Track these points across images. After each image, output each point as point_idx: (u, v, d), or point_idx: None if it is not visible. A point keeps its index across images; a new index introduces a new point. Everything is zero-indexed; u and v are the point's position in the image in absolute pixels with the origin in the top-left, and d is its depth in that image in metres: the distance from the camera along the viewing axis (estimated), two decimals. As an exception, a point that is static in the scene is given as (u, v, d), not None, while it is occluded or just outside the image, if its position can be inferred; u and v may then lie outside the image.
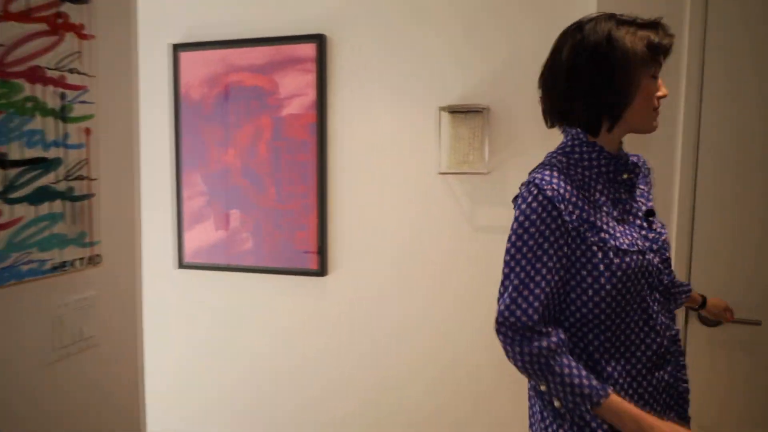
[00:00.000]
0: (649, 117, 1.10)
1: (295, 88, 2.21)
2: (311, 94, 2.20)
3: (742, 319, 1.70)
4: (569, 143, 1.15)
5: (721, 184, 1.77)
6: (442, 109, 2.04)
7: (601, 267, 1.04)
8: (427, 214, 2.13)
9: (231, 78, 2.29)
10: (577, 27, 1.10)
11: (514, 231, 1.07)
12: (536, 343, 1.02)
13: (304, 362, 2.30)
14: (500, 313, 1.06)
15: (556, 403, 1.05)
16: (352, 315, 2.23)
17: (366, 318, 2.21)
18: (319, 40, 2.16)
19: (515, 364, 1.07)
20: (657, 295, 1.11)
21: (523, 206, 1.06)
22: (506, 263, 1.07)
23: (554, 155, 1.16)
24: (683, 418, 1.16)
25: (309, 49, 2.18)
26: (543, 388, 1.06)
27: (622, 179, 1.14)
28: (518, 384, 2.02)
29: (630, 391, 1.08)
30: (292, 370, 2.32)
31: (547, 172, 1.08)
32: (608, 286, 1.04)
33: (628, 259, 1.05)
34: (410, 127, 2.12)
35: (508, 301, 1.05)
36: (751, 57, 1.73)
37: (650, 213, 1.15)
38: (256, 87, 2.26)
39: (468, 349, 2.10)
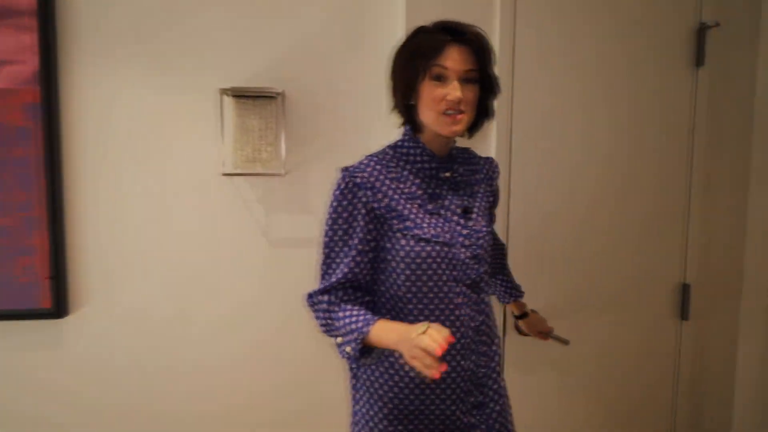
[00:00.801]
0: (438, 120, 1.12)
1: (5, 52, 1.53)
2: (32, 62, 1.54)
3: (554, 335, 1.66)
4: (401, 138, 1.22)
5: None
6: (224, 91, 1.59)
7: (402, 254, 1.13)
8: (209, 226, 1.67)
9: None
10: None
11: (329, 215, 1.15)
12: (322, 306, 1.15)
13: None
14: (312, 291, 1.18)
15: (348, 349, 1.09)
16: (103, 373, 1.66)
17: (124, 373, 1.67)
18: (41, -15, 1.52)
19: (320, 330, 1.17)
20: (463, 288, 1.16)
21: (336, 192, 1.15)
22: (322, 246, 1.17)
23: (384, 147, 1.22)
24: (483, 404, 1.20)
25: (25, -3, 1.52)
26: (339, 340, 1.12)
27: (444, 177, 1.20)
28: (322, 407, 1.74)
29: None
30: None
31: (364, 161, 1.17)
32: (408, 271, 1.13)
33: (429, 248, 1.12)
34: (183, 114, 1.63)
35: (317, 280, 1.18)
36: (563, 53, 1.69)
37: (467, 210, 1.20)
38: (-62, 45, 1.52)
39: (269, 386, 1.73)
